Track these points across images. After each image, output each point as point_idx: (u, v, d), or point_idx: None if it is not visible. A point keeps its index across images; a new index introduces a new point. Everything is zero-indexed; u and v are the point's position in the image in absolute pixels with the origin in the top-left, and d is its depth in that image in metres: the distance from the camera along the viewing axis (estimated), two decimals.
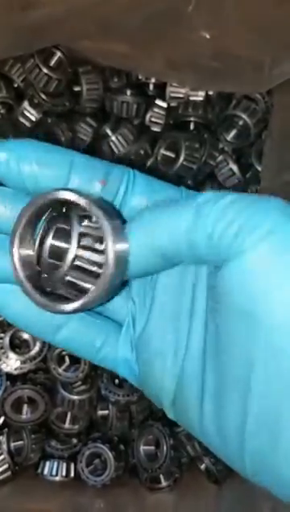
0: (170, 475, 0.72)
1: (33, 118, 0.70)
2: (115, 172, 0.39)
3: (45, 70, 0.66)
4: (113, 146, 0.72)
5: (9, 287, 0.40)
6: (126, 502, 0.71)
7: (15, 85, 0.70)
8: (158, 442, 0.71)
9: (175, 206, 0.35)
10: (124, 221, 0.38)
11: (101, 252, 0.37)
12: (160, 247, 0.35)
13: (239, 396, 0.33)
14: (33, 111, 0.70)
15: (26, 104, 0.70)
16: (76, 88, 0.70)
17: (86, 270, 0.38)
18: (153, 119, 0.73)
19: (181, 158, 0.70)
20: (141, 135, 0.73)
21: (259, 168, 0.72)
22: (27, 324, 0.41)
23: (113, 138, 0.72)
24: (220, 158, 0.73)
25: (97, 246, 0.37)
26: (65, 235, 0.39)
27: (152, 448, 0.72)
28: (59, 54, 0.67)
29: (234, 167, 0.73)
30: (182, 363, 0.38)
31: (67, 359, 0.71)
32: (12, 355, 0.70)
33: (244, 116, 0.72)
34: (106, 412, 0.72)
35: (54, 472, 0.71)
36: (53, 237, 0.39)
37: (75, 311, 0.37)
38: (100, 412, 0.72)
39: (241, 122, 0.72)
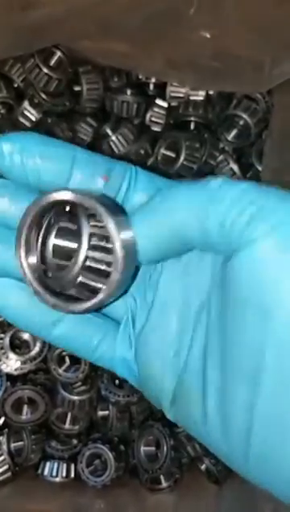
0: (170, 475, 0.71)
1: (33, 118, 0.70)
2: (117, 168, 0.39)
3: (45, 70, 0.66)
4: (113, 146, 0.72)
5: (4, 282, 0.40)
6: (127, 503, 0.71)
7: (15, 85, 0.70)
8: (158, 442, 0.71)
9: (188, 190, 0.35)
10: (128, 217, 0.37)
11: (109, 250, 0.37)
12: (172, 233, 0.35)
13: (246, 392, 0.32)
14: (33, 111, 0.70)
15: (26, 104, 0.69)
16: (77, 88, 0.70)
17: (95, 269, 0.38)
18: (153, 119, 0.73)
19: (182, 158, 0.70)
20: (141, 135, 0.73)
21: (260, 168, 0.72)
22: (22, 319, 0.41)
23: (114, 137, 0.72)
24: (220, 157, 0.72)
25: (104, 245, 0.37)
26: (69, 234, 0.39)
27: (152, 448, 0.72)
28: (59, 54, 0.67)
29: (235, 167, 0.73)
30: (185, 360, 0.37)
31: (67, 359, 0.71)
32: (12, 355, 0.70)
33: (245, 116, 0.71)
34: (106, 413, 0.72)
35: (54, 473, 0.71)
36: (56, 236, 0.39)
37: (87, 311, 0.37)
38: (100, 413, 0.72)
39: (241, 122, 0.72)
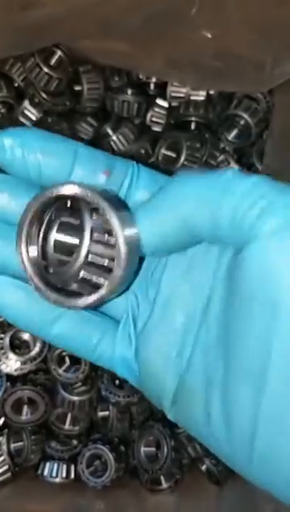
0: (171, 476, 0.71)
1: (33, 118, 0.69)
2: (119, 165, 0.39)
3: (46, 69, 0.65)
4: (113, 146, 0.72)
5: (2, 280, 0.40)
6: (127, 504, 0.71)
7: (16, 84, 0.70)
8: (158, 443, 0.71)
9: (198, 181, 0.35)
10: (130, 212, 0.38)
11: (112, 245, 0.37)
12: (180, 223, 0.35)
13: (251, 391, 0.32)
14: (33, 110, 0.69)
15: (26, 103, 0.69)
16: (77, 88, 0.70)
17: (97, 264, 0.38)
18: (154, 119, 0.73)
19: (182, 158, 0.69)
20: (142, 135, 0.73)
21: (260, 168, 0.72)
22: (20, 318, 0.40)
23: (114, 137, 0.72)
24: (221, 157, 0.72)
25: (107, 239, 0.37)
26: (70, 229, 0.39)
27: (153, 449, 0.71)
28: (59, 53, 0.66)
29: (235, 167, 0.73)
30: (188, 359, 0.37)
31: (67, 360, 0.71)
32: (12, 356, 0.70)
33: (245, 115, 0.71)
34: (107, 413, 0.72)
35: (54, 474, 0.71)
36: (58, 231, 0.39)
37: (88, 307, 0.37)
38: (100, 413, 0.72)
39: (242, 122, 0.72)
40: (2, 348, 0.70)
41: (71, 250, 0.39)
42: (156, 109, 0.73)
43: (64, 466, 0.71)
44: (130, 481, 0.73)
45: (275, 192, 0.32)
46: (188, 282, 0.38)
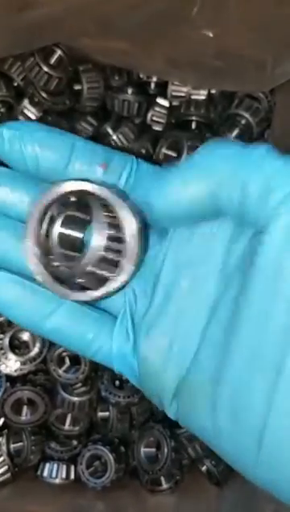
0: (171, 477, 0.71)
1: (33, 117, 0.69)
2: (117, 158, 0.39)
3: (45, 68, 0.65)
4: (114, 145, 0.72)
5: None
6: (127, 504, 0.71)
7: (15, 84, 0.69)
8: (159, 444, 0.71)
9: (233, 152, 0.34)
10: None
11: (118, 239, 0.37)
12: (210, 195, 0.34)
13: (265, 385, 0.32)
14: (33, 109, 0.69)
15: (26, 102, 0.69)
16: (77, 87, 0.70)
17: (105, 258, 0.38)
18: (154, 118, 0.73)
19: (183, 158, 0.69)
20: (142, 134, 0.73)
21: None
22: (15, 312, 0.40)
23: (114, 136, 0.71)
24: None
25: (115, 234, 0.37)
26: (74, 223, 0.39)
27: (153, 449, 0.71)
28: (59, 52, 0.66)
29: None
30: (191, 354, 0.36)
31: (67, 360, 0.70)
32: (12, 356, 0.69)
33: (246, 115, 0.71)
34: (107, 414, 0.72)
35: (54, 474, 0.71)
36: (62, 225, 0.39)
37: (96, 300, 0.38)
38: (100, 414, 0.72)
39: (243, 121, 0.71)
40: (1, 349, 0.70)
41: (74, 244, 0.39)
42: (157, 109, 0.72)
43: (64, 467, 0.71)
44: (130, 482, 0.73)
45: None
46: (188, 276, 0.37)
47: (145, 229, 0.38)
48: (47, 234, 0.39)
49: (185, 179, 0.35)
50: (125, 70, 0.71)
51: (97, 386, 0.71)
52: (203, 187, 0.35)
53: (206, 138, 0.71)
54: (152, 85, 0.73)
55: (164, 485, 0.71)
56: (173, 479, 0.71)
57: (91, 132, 0.71)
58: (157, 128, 0.73)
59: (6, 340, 0.70)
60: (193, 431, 0.37)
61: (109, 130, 0.72)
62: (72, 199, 0.39)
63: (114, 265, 0.38)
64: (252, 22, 0.56)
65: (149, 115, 0.73)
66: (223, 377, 0.34)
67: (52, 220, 0.39)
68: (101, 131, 0.72)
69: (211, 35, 0.59)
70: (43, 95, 0.67)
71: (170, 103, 0.72)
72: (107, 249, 0.38)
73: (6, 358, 0.69)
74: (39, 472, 0.71)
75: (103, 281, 0.38)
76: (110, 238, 0.38)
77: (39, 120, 0.69)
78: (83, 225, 0.40)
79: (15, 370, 0.69)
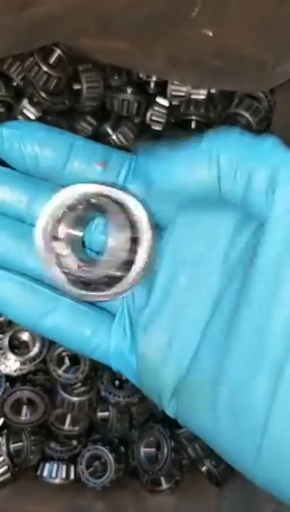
0: (171, 477, 0.71)
1: (32, 117, 0.69)
2: (116, 156, 0.39)
3: (45, 68, 0.65)
4: (113, 145, 0.72)
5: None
6: (127, 505, 0.71)
7: (14, 84, 0.69)
8: (159, 444, 0.71)
9: (240, 144, 0.34)
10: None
11: (134, 239, 0.38)
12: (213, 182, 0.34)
13: (268, 382, 0.31)
14: (32, 109, 0.69)
15: (25, 102, 0.69)
16: (76, 87, 0.69)
17: (125, 260, 0.39)
18: (154, 118, 0.73)
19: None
20: (142, 134, 0.73)
21: None
22: (13, 311, 0.41)
23: (114, 136, 0.71)
24: None
25: (130, 235, 0.38)
26: (80, 224, 0.40)
27: (153, 449, 0.71)
28: (58, 52, 0.66)
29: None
30: (192, 349, 0.36)
31: (66, 360, 0.70)
32: (11, 356, 0.69)
33: (246, 114, 0.71)
34: (106, 414, 0.71)
35: (54, 475, 0.70)
36: (70, 227, 0.39)
37: (109, 298, 0.39)
38: (100, 414, 0.72)
39: (243, 121, 0.71)
40: (1, 349, 0.70)
41: (78, 241, 0.40)
42: (156, 108, 0.72)
43: (64, 467, 0.71)
44: (129, 482, 0.72)
45: None
46: (188, 272, 0.37)
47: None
48: (57, 237, 0.39)
49: (191, 163, 0.35)
50: (124, 70, 0.71)
51: (96, 385, 0.71)
52: (207, 173, 0.35)
53: None
54: (152, 85, 0.73)
55: (164, 485, 0.71)
56: (173, 479, 0.71)
57: (90, 132, 0.71)
58: (157, 128, 0.73)
59: (6, 340, 0.70)
60: (193, 430, 0.37)
61: (109, 130, 0.72)
62: (83, 201, 0.39)
63: (128, 263, 0.38)
64: (252, 22, 0.56)
65: (148, 115, 0.72)
66: (223, 377, 0.34)
67: (61, 223, 0.39)
68: (101, 131, 0.72)
69: (211, 34, 0.59)
70: (43, 95, 0.67)
71: (169, 102, 0.72)
72: (127, 251, 0.38)
73: (6, 358, 0.69)
74: (38, 472, 0.71)
75: (114, 279, 0.38)
76: (129, 240, 0.38)
77: (39, 120, 0.69)
78: (84, 224, 0.40)
79: (15, 370, 0.69)
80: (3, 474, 0.69)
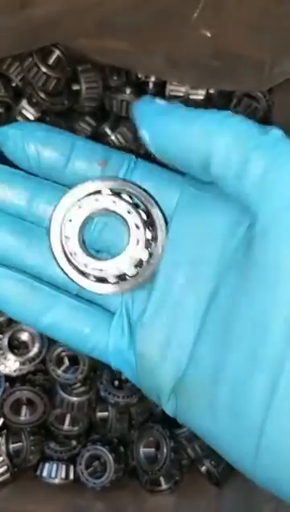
0: (170, 477, 0.71)
1: (31, 117, 0.69)
2: (116, 156, 0.40)
3: (44, 69, 0.65)
4: (112, 145, 0.72)
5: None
6: (126, 504, 0.70)
7: (13, 84, 0.69)
8: (158, 444, 0.71)
9: (245, 129, 0.34)
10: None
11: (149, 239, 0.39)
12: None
13: (266, 381, 0.32)
14: (31, 110, 0.69)
15: (24, 103, 0.69)
16: (75, 87, 0.70)
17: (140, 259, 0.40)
18: None
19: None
20: None
21: None
22: (12, 308, 0.41)
23: (113, 136, 0.71)
24: None
25: (145, 233, 0.39)
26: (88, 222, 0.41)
27: (152, 450, 0.71)
28: (57, 52, 0.66)
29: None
30: (190, 348, 0.36)
31: (66, 360, 0.70)
32: (11, 356, 0.69)
33: (245, 114, 0.71)
34: (106, 414, 0.71)
35: (53, 475, 0.70)
36: (83, 227, 0.40)
37: (124, 291, 0.40)
38: (99, 414, 0.72)
39: None
40: (0, 349, 0.70)
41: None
42: None
43: (63, 467, 0.71)
44: (129, 482, 0.72)
45: None
46: (186, 272, 0.38)
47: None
48: (69, 236, 0.40)
49: (185, 129, 0.35)
50: (123, 70, 0.71)
51: (96, 386, 0.71)
52: (199, 148, 0.35)
53: None
54: (150, 85, 0.73)
55: (164, 486, 0.71)
56: (173, 479, 0.71)
57: (90, 132, 0.71)
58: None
59: (5, 341, 0.70)
60: (192, 429, 0.38)
61: (108, 130, 0.72)
62: (93, 200, 0.40)
63: (140, 261, 0.39)
64: (250, 22, 0.56)
65: None
66: (221, 376, 0.34)
67: (73, 222, 0.40)
68: (100, 131, 0.72)
69: (209, 34, 0.59)
70: (42, 95, 0.67)
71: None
72: (141, 250, 0.39)
73: (5, 358, 0.69)
74: (38, 473, 0.71)
75: (123, 276, 0.39)
76: (144, 240, 0.39)
77: (38, 120, 0.69)
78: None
79: (14, 370, 0.69)
80: (3, 474, 0.69)
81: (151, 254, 0.39)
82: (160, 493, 0.71)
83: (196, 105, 0.71)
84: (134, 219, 0.39)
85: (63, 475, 0.71)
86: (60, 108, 0.69)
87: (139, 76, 0.72)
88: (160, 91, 0.72)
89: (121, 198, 0.39)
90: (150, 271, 0.39)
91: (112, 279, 0.39)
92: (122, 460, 0.72)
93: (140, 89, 0.71)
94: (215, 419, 0.34)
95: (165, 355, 0.37)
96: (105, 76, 0.70)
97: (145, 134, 0.37)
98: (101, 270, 0.39)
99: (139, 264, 0.39)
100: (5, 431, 0.70)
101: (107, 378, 0.70)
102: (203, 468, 0.71)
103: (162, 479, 0.71)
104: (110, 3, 0.56)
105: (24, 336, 0.71)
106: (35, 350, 0.70)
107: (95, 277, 0.39)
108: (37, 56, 0.65)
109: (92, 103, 0.70)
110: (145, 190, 0.39)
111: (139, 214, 0.39)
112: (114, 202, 0.39)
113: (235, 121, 0.34)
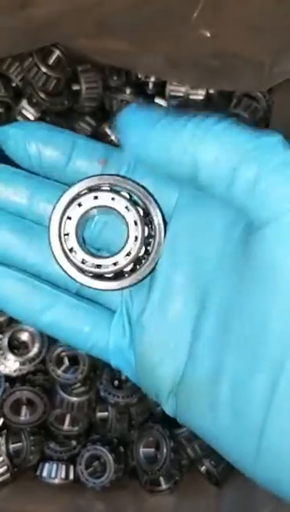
0: (170, 477, 0.71)
1: (31, 117, 0.69)
2: (116, 155, 0.40)
3: (44, 69, 0.65)
4: (112, 145, 0.71)
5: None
6: (126, 504, 0.70)
7: (14, 84, 0.70)
8: (158, 444, 0.71)
9: (240, 130, 0.33)
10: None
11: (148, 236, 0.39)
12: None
13: (266, 381, 0.31)
14: (32, 110, 0.69)
15: (24, 103, 0.69)
16: (75, 87, 0.70)
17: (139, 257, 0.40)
18: None
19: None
20: None
21: None
22: (12, 306, 0.41)
23: (113, 137, 0.71)
24: None
25: (144, 231, 0.39)
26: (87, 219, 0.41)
27: (152, 450, 0.71)
28: (57, 52, 0.66)
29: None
30: (189, 348, 0.36)
31: (66, 360, 0.70)
32: (11, 356, 0.69)
33: (245, 114, 0.71)
34: (106, 414, 0.71)
35: (53, 475, 0.70)
36: (80, 223, 0.40)
37: (122, 288, 0.39)
38: (99, 414, 0.72)
39: (242, 121, 0.71)
40: (0, 349, 0.70)
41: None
42: None
43: (63, 467, 0.71)
44: (129, 482, 0.72)
45: None
46: (184, 272, 0.38)
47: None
48: (68, 233, 0.40)
49: (169, 143, 0.35)
50: (123, 70, 0.71)
51: (95, 386, 0.71)
52: (184, 160, 0.34)
53: None
54: (150, 85, 0.73)
55: (163, 486, 0.71)
56: (172, 479, 0.71)
57: (90, 132, 0.71)
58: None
59: (5, 341, 0.70)
60: (192, 429, 0.38)
61: (108, 130, 0.72)
62: (92, 197, 0.40)
63: (139, 259, 0.39)
64: (250, 23, 0.56)
65: None
66: (221, 376, 0.34)
67: (71, 219, 0.40)
68: (100, 131, 0.72)
69: (209, 35, 0.59)
70: (42, 95, 0.67)
71: (168, 103, 0.72)
72: (140, 248, 0.39)
73: (5, 359, 0.69)
74: (38, 473, 0.71)
75: (121, 273, 0.39)
76: (143, 238, 0.39)
77: (38, 120, 0.69)
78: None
79: (14, 371, 0.69)
80: (3, 474, 0.69)
81: (149, 251, 0.39)
82: (160, 493, 0.71)
83: (196, 105, 0.71)
84: (132, 216, 0.39)
85: (63, 475, 0.71)
86: (60, 108, 0.69)
87: (139, 76, 0.72)
88: (160, 91, 0.72)
89: (119, 195, 0.39)
90: (148, 268, 0.39)
91: (110, 276, 0.39)
92: (122, 460, 0.72)
93: (140, 89, 0.72)
94: (215, 418, 0.34)
95: (164, 355, 0.37)
96: (105, 77, 0.71)
97: (127, 146, 0.37)
98: (99, 266, 0.39)
99: (138, 261, 0.39)
100: (5, 431, 0.70)
101: (107, 378, 0.70)
102: (203, 468, 0.71)
103: (162, 479, 0.71)
104: (110, 3, 0.56)
105: (24, 336, 0.71)
106: (34, 350, 0.70)
107: (93, 273, 0.39)
108: (37, 56, 0.65)
109: (92, 103, 0.71)
110: (144, 187, 0.39)
111: (138, 211, 0.39)
112: (113, 199, 0.39)
113: (220, 130, 0.33)
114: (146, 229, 0.39)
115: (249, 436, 0.32)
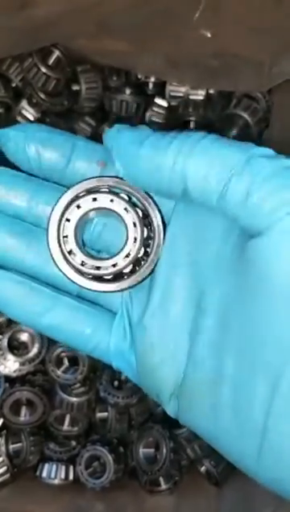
0: (170, 478, 0.71)
1: (31, 118, 0.69)
2: None
3: (43, 69, 0.65)
4: None
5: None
6: (126, 505, 0.70)
7: (13, 85, 0.70)
8: (157, 444, 0.71)
9: (226, 143, 0.34)
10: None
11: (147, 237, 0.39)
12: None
13: (267, 383, 0.32)
14: (31, 110, 0.69)
15: (24, 103, 0.69)
16: (75, 87, 0.70)
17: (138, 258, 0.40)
18: (153, 118, 0.73)
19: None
20: None
21: None
22: (13, 308, 0.41)
23: None
24: None
25: (143, 233, 0.39)
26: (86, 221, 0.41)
27: (152, 450, 0.71)
28: (57, 53, 0.66)
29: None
30: (190, 350, 0.36)
31: (65, 361, 0.70)
32: (10, 357, 0.69)
33: (245, 115, 0.71)
34: (105, 414, 0.71)
35: (53, 475, 0.70)
36: (78, 225, 0.40)
37: (122, 290, 0.40)
38: (99, 414, 0.72)
39: (241, 121, 0.71)
40: (0, 350, 0.70)
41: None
42: (155, 109, 0.72)
43: (63, 467, 0.71)
44: (129, 482, 0.72)
45: None
46: (183, 273, 0.38)
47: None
48: (67, 235, 0.40)
49: (153, 161, 0.35)
50: (123, 70, 0.71)
51: (95, 386, 0.71)
52: (172, 179, 0.34)
53: None
54: (150, 85, 0.73)
55: (163, 486, 0.71)
56: (172, 479, 0.71)
57: (89, 133, 0.71)
58: (155, 128, 0.73)
59: (5, 341, 0.70)
60: (193, 430, 0.38)
61: None
62: (91, 199, 0.40)
63: (138, 261, 0.40)
64: (250, 23, 0.56)
65: (147, 115, 0.72)
66: (222, 378, 0.34)
67: (70, 221, 0.40)
68: (99, 131, 0.72)
69: (209, 35, 0.59)
70: (42, 96, 0.67)
71: (168, 103, 0.72)
72: (139, 250, 0.39)
73: (5, 359, 0.69)
74: (38, 473, 0.71)
75: (121, 275, 0.39)
76: (142, 240, 0.39)
77: (38, 121, 0.69)
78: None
79: (14, 371, 0.69)
80: (3, 475, 0.69)
81: (148, 253, 0.39)
82: (160, 494, 0.71)
83: (196, 105, 0.71)
84: (131, 217, 0.39)
85: (62, 475, 0.71)
86: (60, 108, 0.69)
87: (139, 76, 0.72)
88: (160, 91, 0.72)
89: (118, 197, 0.39)
90: (148, 270, 0.39)
91: (109, 278, 0.39)
92: (122, 460, 0.72)
93: (140, 90, 0.71)
94: (217, 419, 0.34)
95: (165, 357, 0.37)
96: (104, 77, 0.71)
97: (118, 165, 0.37)
98: (98, 268, 0.39)
99: (137, 262, 0.39)
100: (4, 431, 0.70)
101: (107, 379, 0.70)
102: (202, 469, 0.71)
103: (161, 479, 0.71)
104: (110, 3, 0.56)
105: (24, 337, 0.71)
106: (34, 351, 0.70)
107: (92, 275, 0.39)
108: (37, 57, 0.65)
109: (92, 103, 0.70)
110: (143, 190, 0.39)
111: (137, 213, 0.39)
112: (112, 201, 0.39)
113: (208, 144, 0.34)
114: (145, 230, 0.39)
115: (251, 436, 0.32)
